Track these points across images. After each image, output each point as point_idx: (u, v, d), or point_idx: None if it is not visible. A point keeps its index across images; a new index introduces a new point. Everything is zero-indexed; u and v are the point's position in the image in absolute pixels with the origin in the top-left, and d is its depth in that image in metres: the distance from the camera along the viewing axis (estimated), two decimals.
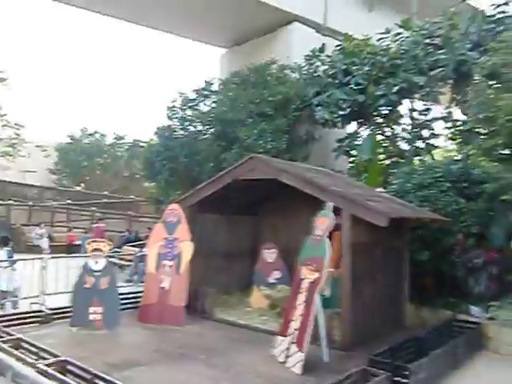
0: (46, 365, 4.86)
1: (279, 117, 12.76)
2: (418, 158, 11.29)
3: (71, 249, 18.69)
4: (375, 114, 12.50)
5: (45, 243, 18.95)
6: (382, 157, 12.41)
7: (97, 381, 4.65)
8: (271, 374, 5.45)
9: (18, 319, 7.28)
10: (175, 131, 14.58)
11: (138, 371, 5.32)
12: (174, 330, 7.31)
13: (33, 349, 5.58)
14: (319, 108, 12.38)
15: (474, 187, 8.58)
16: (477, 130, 9.18)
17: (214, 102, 14.03)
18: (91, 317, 7.14)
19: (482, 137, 8.12)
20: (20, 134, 25.71)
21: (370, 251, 7.10)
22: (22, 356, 5.22)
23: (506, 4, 11.99)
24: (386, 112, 12.34)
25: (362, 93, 12.12)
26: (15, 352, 5.35)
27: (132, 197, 28.26)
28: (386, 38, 13.18)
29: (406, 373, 4.94)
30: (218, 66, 19.19)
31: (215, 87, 14.75)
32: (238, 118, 12.47)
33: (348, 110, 12.36)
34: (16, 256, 10.07)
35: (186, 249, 8.19)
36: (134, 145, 29.57)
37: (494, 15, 12.06)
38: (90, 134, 32.87)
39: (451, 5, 13.58)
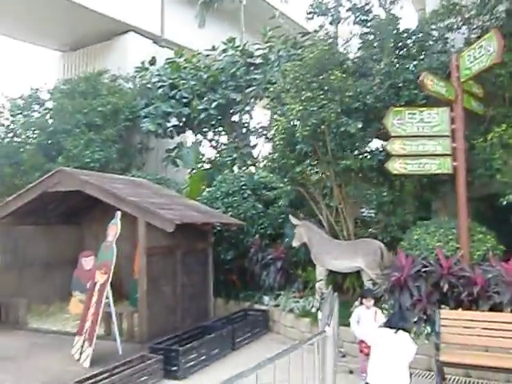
0: None
1: (109, 127, 13.12)
2: (237, 167, 12.64)
3: None
4: (202, 125, 13.61)
5: None
6: (208, 165, 13.54)
7: None
8: (61, 369, 6.03)
9: None
10: (0, 139, 13.96)
11: None
12: None
13: None
14: (146, 119, 13.11)
15: (270, 195, 10.12)
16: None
17: (39, 111, 13.80)
18: None
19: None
20: None
21: (169, 254, 8.01)
22: None
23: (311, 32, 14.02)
24: (212, 123, 13.52)
25: (187, 106, 13.17)
26: None
27: None
28: (212, 54, 14.41)
29: (174, 354, 5.92)
30: (55, 71, 18.67)
31: (45, 95, 14.45)
32: (64, 128, 12.54)
33: (175, 121, 13.29)
34: None
35: None
36: None
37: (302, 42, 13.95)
38: None
39: (274, 24, 15.01)
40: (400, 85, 7.85)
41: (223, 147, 13.74)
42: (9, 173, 13.16)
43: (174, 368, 5.95)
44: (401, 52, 8.39)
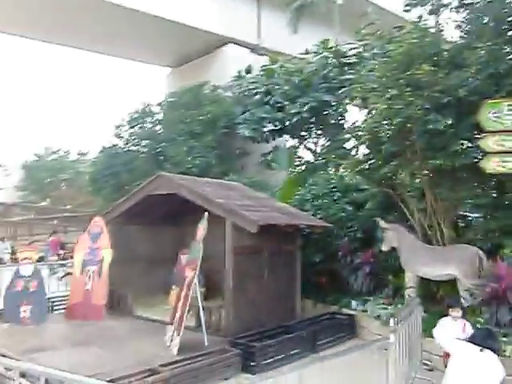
0: None
1: (208, 134, 14.01)
2: (330, 169, 12.61)
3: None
4: (296, 129, 13.86)
5: (6, 256, 19.81)
6: (303, 168, 13.73)
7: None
8: (153, 353, 6.65)
9: None
10: (120, 149, 15.74)
11: (42, 355, 6.46)
12: (91, 324, 8.47)
13: None
14: (243, 125, 13.72)
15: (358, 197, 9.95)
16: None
17: (151, 122, 15.26)
18: (21, 314, 8.30)
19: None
20: None
21: (255, 254, 8.30)
22: None
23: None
24: (306, 126, 13.69)
25: (281, 110, 13.51)
26: None
27: (93, 210, 29.08)
28: (306, 57, 14.55)
29: (252, 350, 6.20)
30: (165, 85, 20.43)
31: (155, 108, 15.95)
32: (169, 137, 13.70)
33: (270, 126, 13.72)
34: None
35: (107, 256, 9.40)
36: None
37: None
38: (54, 152, 33.73)
39: (368, 21, 14.61)
40: (501, 72, 7.20)
41: (317, 149, 13.81)
42: (125, 178, 14.78)
43: (252, 363, 6.22)
44: (506, 36, 7.66)
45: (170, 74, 20.57)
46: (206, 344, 7.11)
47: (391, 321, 5.30)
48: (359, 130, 9.46)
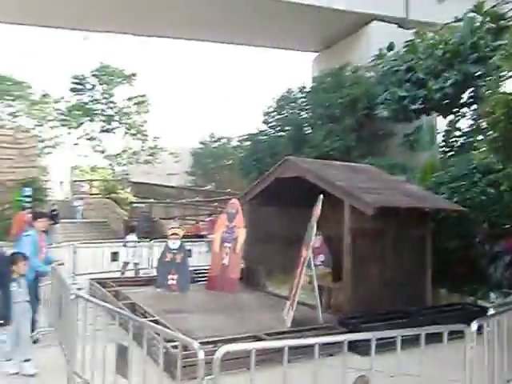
0: (123, 304, 7.48)
1: (347, 117, 13.93)
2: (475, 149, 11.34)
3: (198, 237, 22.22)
4: (439, 106, 12.82)
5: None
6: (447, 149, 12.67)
7: (147, 315, 7.08)
8: (268, 324, 7.21)
9: (128, 282, 10.41)
10: (266, 135, 16.75)
11: (179, 315, 7.59)
12: (226, 295, 9.46)
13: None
14: (382, 106, 13.25)
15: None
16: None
17: (292, 108, 15.81)
18: (170, 282, 9.75)
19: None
20: (157, 144, 30.78)
21: (376, 237, 8.19)
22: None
23: None
24: (448, 102, 12.55)
25: (423, 87, 12.63)
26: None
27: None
28: (454, 26, 13.23)
29: (360, 330, 6.26)
30: (310, 71, 20.75)
31: (298, 94, 16.45)
32: (308, 121, 14.05)
33: (411, 105, 12.97)
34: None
35: (242, 234, 10.30)
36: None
37: None
38: (217, 139, 37.20)
39: None
40: None
41: (462, 128, 12.59)
42: (269, 163, 15.69)
43: (358, 344, 6.26)
44: None
45: (316, 58, 20.80)
46: (321, 322, 7.39)
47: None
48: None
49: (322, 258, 10.51)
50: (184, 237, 22.78)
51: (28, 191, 19.59)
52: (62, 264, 7.38)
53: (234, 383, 4.58)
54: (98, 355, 4.19)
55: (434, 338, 4.12)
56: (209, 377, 3.08)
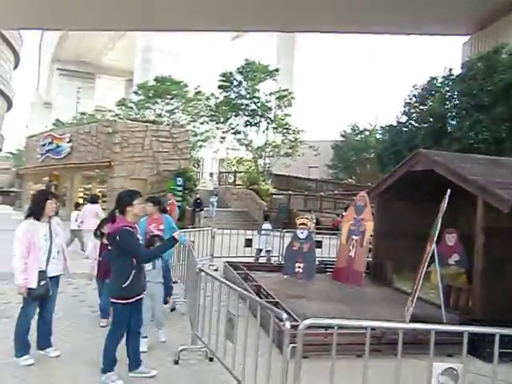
0: (249, 285, 8.16)
1: (498, 106, 12.62)
2: None
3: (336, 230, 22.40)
4: None
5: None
6: None
7: (269, 298, 7.62)
8: (386, 318, 7.10)
9: (259, 267, 11.21)
10: (405, 127, 16.06)
11: (300, 301, 7.96)
12: (350, 287, 9.54)
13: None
14: None
15: None
16: None
17: (433, 97, 14.81)
18: (296, 269, 10.20)
19: None
20: (299, 137, 31.54)
21: None
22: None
23: None
24: None
25: None
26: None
27: None
28: None
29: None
30: (460, 56, 19.09)
31: (442, 82, 15.36)
32: (449, 112, 13.09)
33: None
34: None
35: (369, 227, 10.25)
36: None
37: None
38: (360, 132, 36.50)
39: None
40: None
41: None
42: (406, 156, 15.01)
43: (479, 345, 5.86)
44: None
45: (467, 42, 19.05)
46: (444, 321, 7.03)
47: None
48: None
49: (456, 257, 9.95)
50: (319, 229, 23.30)
51: (180, 181, 22.06)
52: (193, 242, 8.32)
53: (348, 366, 4.66)
54: (214, 323, 4.77)
55: None
56: (293, 344, 3.32)
